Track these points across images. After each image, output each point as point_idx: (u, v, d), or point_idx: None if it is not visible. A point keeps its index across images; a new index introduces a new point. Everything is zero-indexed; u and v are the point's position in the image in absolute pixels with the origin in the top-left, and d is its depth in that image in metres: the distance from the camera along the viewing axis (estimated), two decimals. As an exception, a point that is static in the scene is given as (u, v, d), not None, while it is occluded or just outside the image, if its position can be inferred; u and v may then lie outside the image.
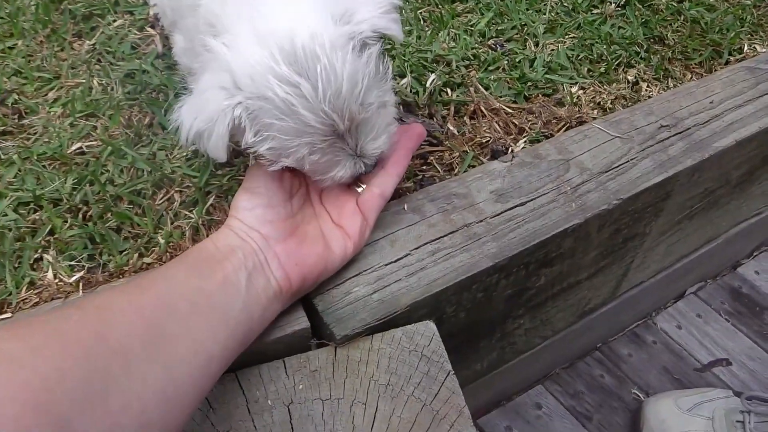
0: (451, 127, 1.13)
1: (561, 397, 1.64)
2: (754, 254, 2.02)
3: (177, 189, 1.00)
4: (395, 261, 0.91)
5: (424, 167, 1.07)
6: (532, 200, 1.03)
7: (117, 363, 0.59)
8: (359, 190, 0.90)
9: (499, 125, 1.16)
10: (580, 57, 1.35)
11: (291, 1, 0.76)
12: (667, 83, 1.36)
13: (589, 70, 1.33)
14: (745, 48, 1.48)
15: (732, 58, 1.45)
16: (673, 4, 1.54)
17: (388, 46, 0.89)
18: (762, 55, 1.46)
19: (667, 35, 1.45)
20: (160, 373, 0.62)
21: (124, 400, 0.57)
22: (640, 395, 1.64)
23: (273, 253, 0.78)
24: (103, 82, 1.18)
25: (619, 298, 1.53)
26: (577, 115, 1.20)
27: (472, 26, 1.38)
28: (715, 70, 1.41)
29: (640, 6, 1.52)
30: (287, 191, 0.85)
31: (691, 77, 1.39)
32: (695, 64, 1.42)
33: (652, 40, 1.45)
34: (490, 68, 1.28)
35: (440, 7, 1.41)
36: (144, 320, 0.64)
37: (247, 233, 0.79)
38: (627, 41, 1.41)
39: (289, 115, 0.73)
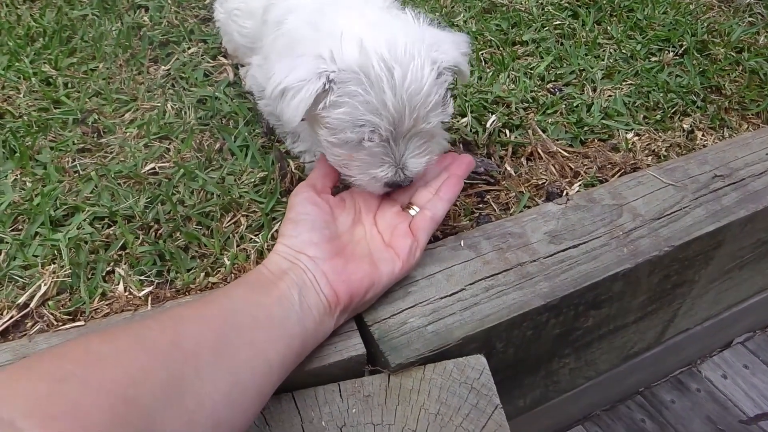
0: (509, 168, 1.16)
1: (600, 440, 1.64)
2: (805, 307, 2.00)
3: (244, 213, 1.04)
4: (450, 295, 0.94)
5: (481, 205, 1.11)
6: (584, 243, 1.05)
7: (190, 367, 0.65)
8: (412, 213, 0.95)
9: (555, 168, 1.18)
10: (636, 104, 1.37)
11: (389, 21, 0.90)
12: (723, 133, 1.37)
13: (645, 117, 1.35)
14: (804, 101, 1.48)
15: (790, 111, 1.46)
16: (732, 54, 1.56)
17: (452, 86, 0.94)
18: (820, 108, 1.46)
19: (724, 85, 1.46)
20: (227, 377, 0.68)
21: (198, 400, 0.63)
22: (682, 443, 1.63)
23: (321, 272, 0.83)
24: (177, 106, 1.24)
25: (664, 343, 1.53)
26: (632, 162, 1.22)
27: (531, 69, 1.42)
28: (774, 121, 1.42)
29: (698, 55, 1.54)
30: (328, 214, 0.91)
31: (748, 128, 1.40)
32: (752, 114, 1.43)
33: (709, 90, 1.46)
34: (548, 111, 1.31)
35: (501, 49, 1.45)
36: (211, 331, 0.70)
37: (295, 256, 0.84)
38: (684, 90, 1.42)
39: (375, 90, 0.83)
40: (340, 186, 1.01)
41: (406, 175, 0.92)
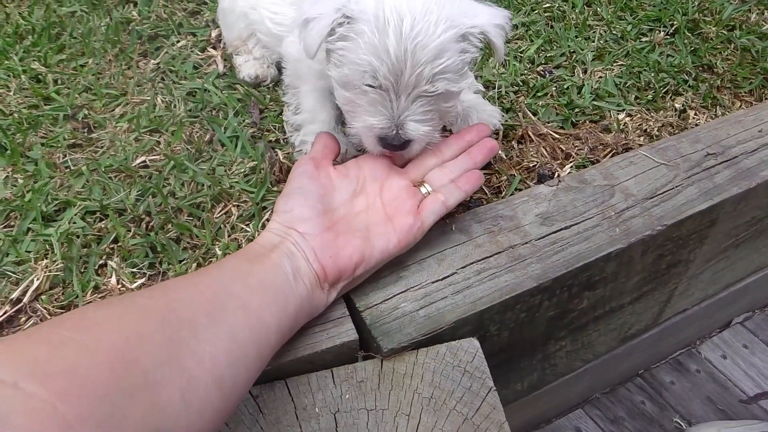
0: (500, 151, 1.16)
1: (601, 422, 1.64)
2: (804, 285, 1.99)
3: (235, 203, 1.05)
4: (442, 279, 0.94)
5: (472, 189, 1.10)
6: (576, 224, 1.05)
7: (186, 330, 0.67)
8: (423, 191, 0.94)
9: (546, 150, 1.18)
10: (627, 84, 1.37)
11: None
12: (716, 111, 1.37)
13: (636, 98, 1.35)
14: (799, 76, 1.47)
15: (784, 87, 1.45)
16: (724, 32, 1.55)
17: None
18: (814, 85, 1.45)
19: (716, 63, 1.46)
20: (226, 337, 0.70)
21: (197, 359, 0.65)
22: (682, 424, 1.63)
23: (309, 247, 0.84)
24: (167, 99, 1.24)
25: (661, 324, 1.53)
26: (623, 142, 1.22)
27: (521, 53, 1.41)
28: (766, 99, 1.41)
29: (690, 34, 1.53)
30: (326, 186, 0.91)
31: (741, 105, 1.40)
32: (745, 92, 1.42)
33: (700, 68, 1.46)
34: (539, 94, 1.30)
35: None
36: (205, 296, 0.72)
37: (286, 232, 0.85)
38: (675, 69, 1.42)
39: (380, 32, 0.85)
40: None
41: (399, 134, 0.91)
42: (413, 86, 0.88)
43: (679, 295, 1.44)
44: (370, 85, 0.88)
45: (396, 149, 0.94)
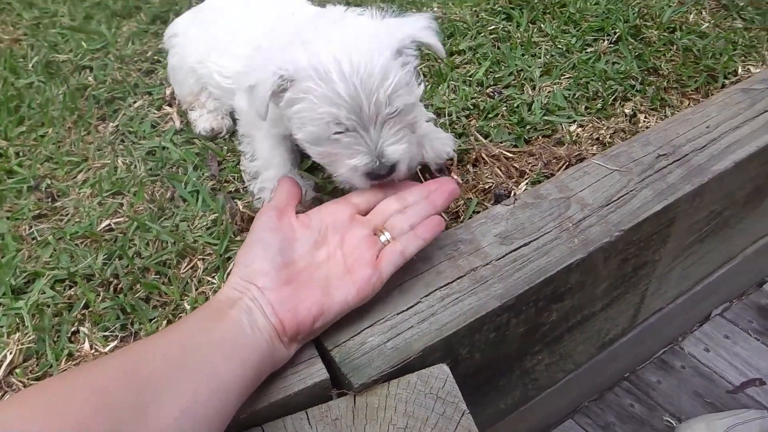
0: (455, 176, 1.19)
1: (592, 430, 1.65)
2: (780, 269, 2.03)
3: (200, 257, 1.07)
4: (407, 309, 0.96)
5: (431, 216, 1.13)
6: (535, 240, 1.07)
7: (149, 392, 0.69)
8: (382, 239, 0.95)
9: (500, 170, 1.21)
10: (576, 96, 1.41)
11: (343, 24, 0.97)
12: (665, 112, 1.40)
13: (586, 108, 1.38)
14: (740, 70, 1.52)
15: (727, 82, 1.49)
16: (665, 34, 1.60)
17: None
18: (756, 75, 1.49)
19: (661, 66, 1.50)
20: (188, 397, 0.72)
21: (159, 419, 0.68)
22: (673, 422, 1.65)
23: (267, 301, 0.85)
24: (127, 161, 1.27)
25: (639, 326, 1.55)
26: (576, 153, 1.25)
27: (470, 77, 1.45)
28: (712, 95, 1.45)
29: (633, 40, 1.58)
30: (287, 238, 0.91)
31: (689, 104, 1.43)
32: (691, 90, 1.46)
33: (646, 72, 1.50)
34: (490, 116, 1.34)
35: (439, 61, 1.48)
36: (166, 358, 0.74)
37: (245, 286, 0.86)
38: (621, 76, 1.46)
39: (326, 81, 0.88)
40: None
41: (383, 163, 0.94)
42: (376, 114, 0.91)
43: (652, 295, 1.46)
44: (339, 132, 0.92)
45: (385, 177, 0.97)
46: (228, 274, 1.02)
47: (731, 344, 1.84)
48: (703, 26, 1.63)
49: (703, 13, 1.70)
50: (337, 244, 0.93)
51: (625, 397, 1.71)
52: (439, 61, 1.49)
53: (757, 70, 1.52)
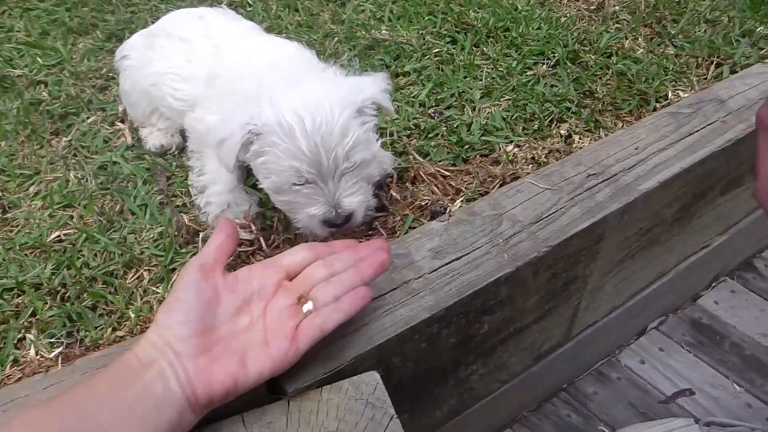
0: (394, 194, 1.25)
1: (531, 439, 1.72)
2: (713, 285, 2.12)
3: (146, 268, 1.11)
4: (340, 319, 1.01)
5: (370, 232, 1.19)
6: (466, 254, 1.14)
7: None
8: (304, 309, 0.94)
9: (438, 188, 1.28)
10: (514, 117, 1.48)
11: (307, 81, 1.05)
12: (599, 134, 1.48)
13: (523, 128, 1.46)
14: (670, 95, 1.61)
15: (658, 105, 1.58)
16: (602, 59, 1.69)
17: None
18: (684, 99, 1.58)
19: (596, 89, 1.59)
20: None
21: None
22: (606, 431, 1.72)
23: (182, 368, 0.83)
24: (79, 175, 1.30)
25: (574, 338, 1.62)
26: (512, 172, 1.32)
27: (413, 97, 1.52)
28: (643, 117, 1.53)
29: (571, 64, 1.66)
30: (210, 301, 0.89)
31: (622, 126, 1.52)
32: (625, 113, 1.55)
33: (583, 95, 1.58)
34: (430, 135, 1.41)
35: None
36: (67, 428, 0.73)
37: (163, 348, 0.84)
38: (558, 98, 1.54)
39: (289, 137, 0.97)
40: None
41: (339, 213, 1.03)
42: (335, 168, 1.00)
43: (585, 309, 1.53)
44: (300, 183, 1.01)
45: (341, 226, 1.06)
46: (171, 285, 1.07)
47: (665, 356, 1.92)
48: (638, 52, 1.73)
49: (639, 39, 1.80)
50: (259, 313, 0.92)
51: (563, 408, 1.78)
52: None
53: (686, 95, 1.61)
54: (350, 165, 1.01)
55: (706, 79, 1.67)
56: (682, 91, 1.63)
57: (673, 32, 1.82)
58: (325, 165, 0.99)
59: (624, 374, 1.87)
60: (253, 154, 1.02)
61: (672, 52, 1.75)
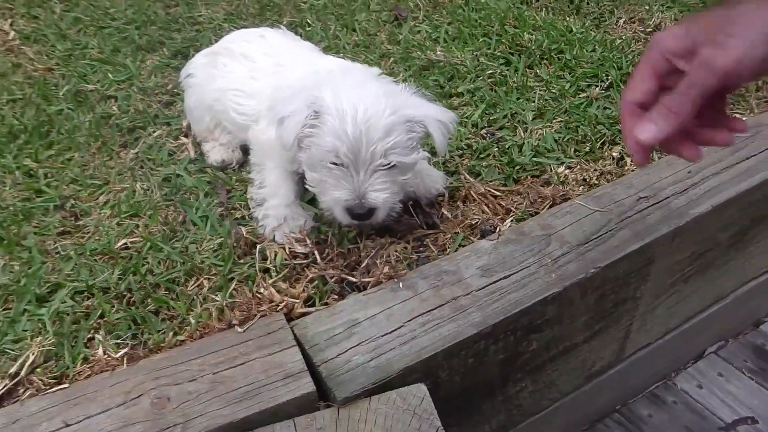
0: (446, 212, 1.28)
1: (581, 459, 1.70)
2: (776, 311, 2.07)
3: (206, 276, 1.17)
4: (390, 332, 1.05)
5: (421, 249, 1.22)
6: (514, 273, 1.16)
7: None
8: None
9: (488, 207, 1.30)
10: (566, 139, 1.50)
11: (372, 82, 1.16)
12: (652, 156, 1.48)
13: (575, 150, 1.47)
14: (728, 118, 1.59)
15: (715, 130, 1.56)
16: (658, 82, 1.68)
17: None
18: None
19: (651, 112, 1.58)
20: None
21: None
22: (661, 456, 1.70)
23: None
24: (145, 186, 1.38)
25: (627, 359, 1.61)
26: (562, 193, 1.34)
27: (467, 118, 1.55)
28: (700, 141, 1.52)
29: (624, 87, 1.65)
30: None
31: (677, 149, 1.51)
32: (680, 136, 1.54)
33: (637, 118, 1.58)
34: (482, 156, 1.43)
35: (439, 102, 1.58)
36: None
37: None
38: (611, 120, 1.55)
39: (340, 119, 1.06)
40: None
41: (361, 203, 1.09)
42: (370, 161, 1.07)
43: (637, 331, 1.53)
44: (334, 163, 1.07)
45: (363, 218, 1.11)
46: (231, 293, 1.12)
47: (724, 382, 1.88)
48: (694, 74, 1.71)
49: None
50: None
51: (616, 429, 1.76)
52: (439, 102, 1.58)
53: (744, 118, 1.59)
54: (385, 163, 1.08)
55: (767, 102, 1.65)
56: (740, 114, 1.61)
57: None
58: (363, 154, 1.07)
59: (680, 398, 1.84)
60: (309, 127, 1.09)
61: (731, 75, 1.73)
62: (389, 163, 1.08)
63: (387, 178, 1.10)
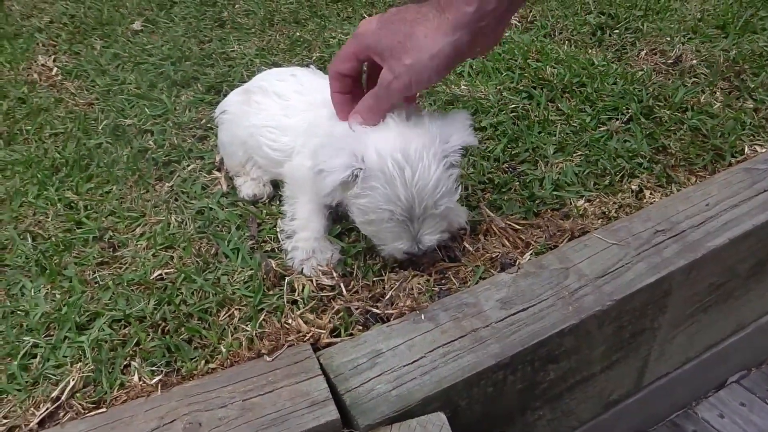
0: (467, 245, 1.33)
1: (601, 486, 1.72)
2: (797, 341, 2.07)
3: (236, 307, 1.22)
4: (412, 362, 1.10)
5: (443, 281, 1.27)
6: (533, 305, 1.20)
7: None
8: None
9: (508, 241, 1.34)
10: (586, 172, 1.54)
11: (405, 129, 1.16)
12: (671, 189, 1.51)
13: (595, 184, 1.51)
14: (746, 150, 1.62)
15: (734, 160, 1.60)
16: (677, 114, 1.72)
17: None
18: (760, 155, 1.60)
19: (670, 144, 1.62)
20: None
21: None
22: (682, 484, 1.71)
23: None
24: (179, 218, 1.44)
25: (645, 388, 1.63)
26: (581, 226, 1.37)
27: (489, 152, 1.60)
28: (718, 173, 1.55)
29: (645, 120, 1.70)
30: None
31: (696, 181, 1.54)
32: (699, 168, 1.57)
33: (655, 150, 1.62)
34: (503, 190, 1.48)
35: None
36: None
37: None
38: (630, 154, 1.58)
39: (390, 185, 1.12)
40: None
41: (419, 247, 1.20)
42: (422, 214, 1.16)
43: (656, 360, 1.55)
44: (390, 220, 1.16)
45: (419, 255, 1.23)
46: (260, 324, 1.17)
47: (747, 411, 1.88)
48: (715, 106, 1.75)
49: (717, 93, 1.82)
50: None
51: (636, 458, 1.78)
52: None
53: (763, 150, 1.62)
54: (437, 212, 1.17)
55: (787, 133, 1.68)
56: (760, 145, 1.64)
57: (752, 86, 1.84)
58: (416, 211, 1.15)
59: (700, 427, 1.84)
60: (356, 196, 1.16)
61: (751, 105, 1.77)
62: (439, 212, 1.18)
63: (438, 220, 1.20)
